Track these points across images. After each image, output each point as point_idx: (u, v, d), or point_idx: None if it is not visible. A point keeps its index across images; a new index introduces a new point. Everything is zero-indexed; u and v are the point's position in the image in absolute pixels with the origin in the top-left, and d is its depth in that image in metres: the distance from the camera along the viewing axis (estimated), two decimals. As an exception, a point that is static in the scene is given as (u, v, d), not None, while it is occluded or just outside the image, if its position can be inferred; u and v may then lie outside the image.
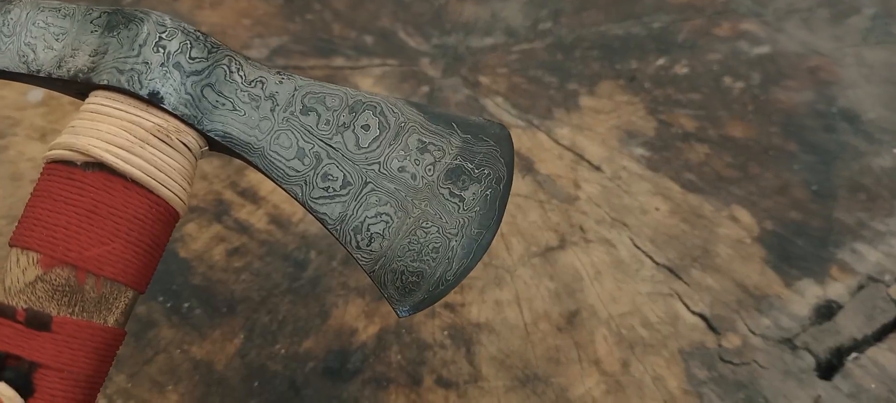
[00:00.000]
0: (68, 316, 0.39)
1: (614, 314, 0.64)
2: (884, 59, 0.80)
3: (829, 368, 0.62)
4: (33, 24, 0.44)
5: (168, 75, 0.42)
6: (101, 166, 0.40)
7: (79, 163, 0.40)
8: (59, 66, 0.43)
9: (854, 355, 0.62)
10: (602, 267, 0.66)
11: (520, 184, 0.72)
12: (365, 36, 0.83)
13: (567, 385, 0.60)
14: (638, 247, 0.68)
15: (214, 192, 0.70)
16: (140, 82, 0.41)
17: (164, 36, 0.42)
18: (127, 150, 0.41)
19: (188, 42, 0.43)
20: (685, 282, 0.65)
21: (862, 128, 0.75)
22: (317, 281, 0.65)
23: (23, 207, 0.66)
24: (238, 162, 0.72)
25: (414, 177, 0.44)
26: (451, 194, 0.45)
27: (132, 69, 0.41)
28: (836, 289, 0.65)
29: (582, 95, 0.78)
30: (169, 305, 0.63)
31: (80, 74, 0.42)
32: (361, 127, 0.44)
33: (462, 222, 0.45)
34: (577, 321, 0.63)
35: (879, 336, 0.63)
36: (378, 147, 0.44)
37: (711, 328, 0.63)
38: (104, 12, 0.44)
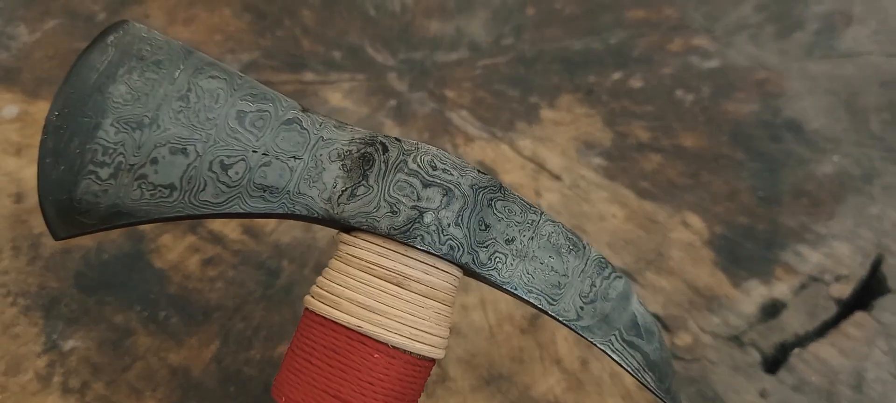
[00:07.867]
0: None
1: (574, 315, 0.67)
2: (826, 72, 0.85)
3: (774, 363, 0.66)
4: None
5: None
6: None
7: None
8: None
9: (797, 350, 0.66)
10: (562, 271, 0.70)
11: (484, 193, 0.75)
12: (334, 51, 0.86)
13: (530, 383, 0.63)
14: (596, 252, 0.71)
15: (189, 204, 0.72)
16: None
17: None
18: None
19: None
20: (640, 285, 0.69)
21: (805, 137, 0.80)
22: (289, 288, 0.67)
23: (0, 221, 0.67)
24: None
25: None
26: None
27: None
28: (781, 289, 0.69)
29: (543, 108, 0.82)
30: (146, 314, 0.65)
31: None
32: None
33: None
34: (538, 323, 0.66)
35: (821, 332, 0.67)
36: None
37: (665, 327, 0.67)
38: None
